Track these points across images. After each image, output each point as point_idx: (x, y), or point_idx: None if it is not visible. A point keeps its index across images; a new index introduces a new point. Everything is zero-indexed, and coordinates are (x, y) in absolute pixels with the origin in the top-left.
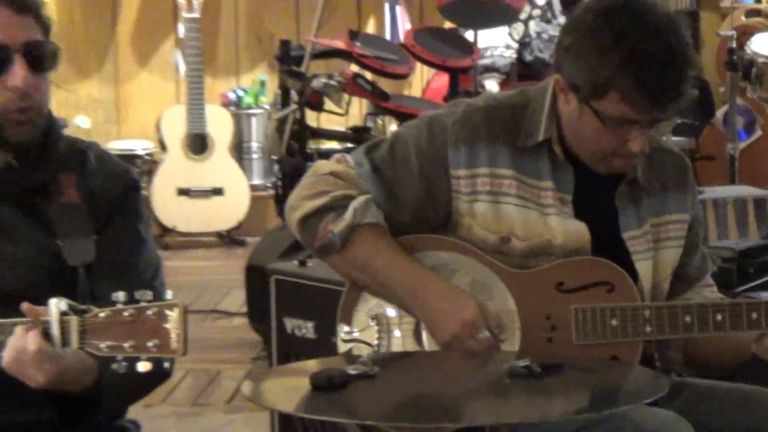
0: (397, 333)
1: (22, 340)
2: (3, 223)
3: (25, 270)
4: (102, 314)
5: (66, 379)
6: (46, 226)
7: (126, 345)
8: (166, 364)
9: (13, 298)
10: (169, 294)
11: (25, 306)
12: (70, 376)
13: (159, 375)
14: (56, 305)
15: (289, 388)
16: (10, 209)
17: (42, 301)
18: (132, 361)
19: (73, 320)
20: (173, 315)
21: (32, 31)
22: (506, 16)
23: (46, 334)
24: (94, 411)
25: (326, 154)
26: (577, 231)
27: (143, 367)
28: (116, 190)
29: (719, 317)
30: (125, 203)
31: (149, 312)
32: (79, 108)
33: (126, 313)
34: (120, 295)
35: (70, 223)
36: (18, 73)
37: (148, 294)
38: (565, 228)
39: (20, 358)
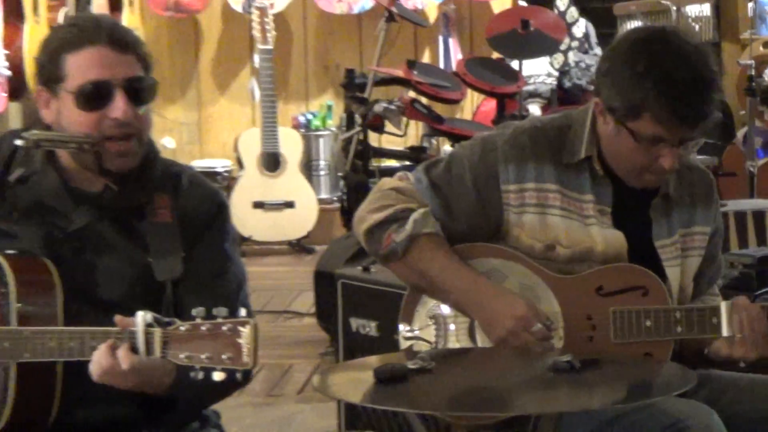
0: (452, 331)
1: (111, 361)
2: (103, 240)
3: (121, 282)
4: (183, 328)
5: (148, 383)
6: (140, 243)
7: (203, 356)
8: (239, 375)
9: (110, 307)
10: (242, 312)
11: (117, 318)
12: (152, 381)
13: (232, 384)
14: (142, 318)
15: (355, 381)
16: (109, 227)
17: (134, 311)
18: (208, 371)
19: (157, 332)
20: (246, 331)
21: (133, 68)
22: (548, 47)
23: (133, 345)
24: (173, 408)
25: (386, 172)
26: (615, 239)
27: (218, 376)
28: (206, 211)
29: None
30: (214, 223)
31: (224, 327)
32: (165, 130)
33: (204, 328)
34: (200, 311)
35: (161, 242)
36: (118, 105)
37: (224, 311)
38: (605, 236)
39: (109, 365)
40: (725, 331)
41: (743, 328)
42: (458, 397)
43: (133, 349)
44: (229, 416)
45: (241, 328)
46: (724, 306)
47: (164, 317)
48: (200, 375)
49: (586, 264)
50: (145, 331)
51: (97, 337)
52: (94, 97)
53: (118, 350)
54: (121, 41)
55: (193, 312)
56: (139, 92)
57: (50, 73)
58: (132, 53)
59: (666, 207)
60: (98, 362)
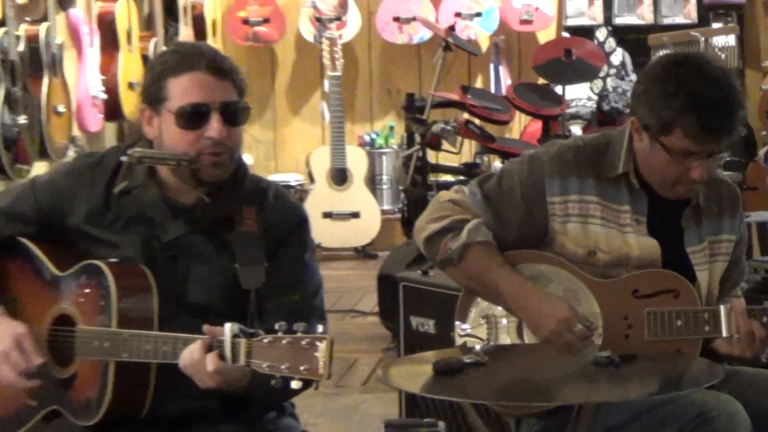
0: (502, 329)
1: (201, 356)
2: (195, 249)
3: (210, 289)
4: (265, 340)
5: (227, 383)
6: (228, 253)
7: (282, 366)
8: (314, 385)
9: (199, 310)
10: (320, 328)
11: (205, 327)
12: (230, 382)
13: (305, 389)
14: (230, 329)
15: (414, 373)
16: (201, 238)
17: (221, 315)
18: (287, 379)
19: (243, 343)
20: (322, 346)
21: (228, 93)
22: (588, 73)
23: (221, 353)
24: (249, 404)
25: (443, 186)
26: (650, 246)
27: (295, 385)
28: (288, 224)
29: (765, 319)
30: (294, 235)
31: (303, 342)
32: (244, 147)
33: (285, 341)
34: (282, 325)
35: (246, 252)
36: (214, 126)
37: (302, 326)
38: (640, 243)
39: (197, 368)
40: (725, 332)
41: (740, 330)
42: (508, 388)
43: (221, 357)
44: (302, 405)
45: (318, 343)
46: (722, 309)
47: (249, 328)
48: (279, 383)
49: (623, 269)
50: (231, 342)
51: (188, 344)
52: (192, 117)
53: (210, 354)
54: (219, 68)
55: (276, 326)
56: (233, 115)
57: (154, 93)
58: (228, 79)
59: (696, 217)
60: (190, 355)
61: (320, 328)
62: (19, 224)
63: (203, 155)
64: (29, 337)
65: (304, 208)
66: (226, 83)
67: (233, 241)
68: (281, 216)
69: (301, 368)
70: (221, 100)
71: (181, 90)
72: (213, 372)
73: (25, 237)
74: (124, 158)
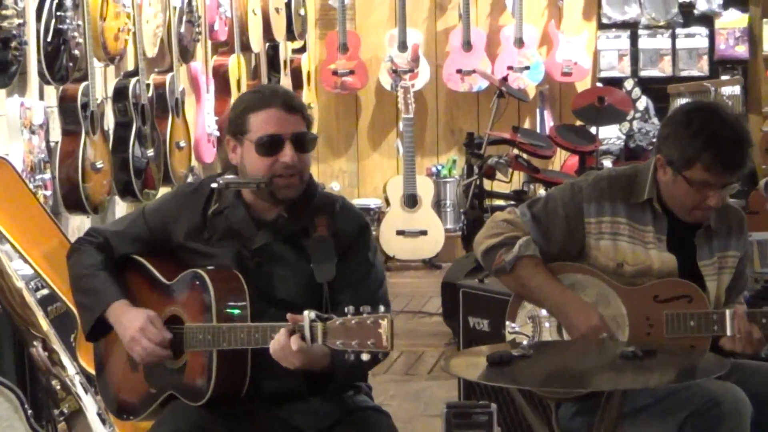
0: (546, 328)
1: (287, 340)
2: (278, 255)
3: (291, 286)
4: (338, 322)
5: (311, 363)
6: (305, 256)
7: (353, 342)
8: (380, 356)
9: (284, 304)
10: (381, 308)
11: (289, 315)
12: (314, 361)
13: (375, 361)
14: (308, 315)
15: (472, 364)
16: (282, 245)
17: (301, 307)
18: (357, 353)
19: (319, 326)
20: (384, 323)
21: (298, 125)
22: (617, 117)
23: (302, 335)
24: (331, 381)
25: (496, 209)
26: (669, 260)
27: (365, 357)
28: (354, 229)
29: (764, 321)
30: (359, 238)
31: (369, 321)
32: (333, 176)
33: (353, 322)
34: (350, 309)
35: (319, 252)
36: (287, 153)
37: (368, 308)
38: (661, 258)
39: (284, 351)
40: (729, 332)
41: (741, 330)
42: (549, 377)
43: (302, 338)
44: (377, 389)
45: (381, 321)
46: (728, 313)
47: (324, 313)
48: (352, 357)
49: (646, 278)
50: (310, 326)
51: (276, 331)
52: (269, 146)
53: (293, 336)
54: (291, 105)
55: (345, 309)
56: (302, 143)
57: (237, 127)
58: (298, 114)
59: (707, 236)
60: (277, 341)
61: (382, 308)
62: (133, 244)
63: (277, 178)
64: (159, 317)
65: (366, 216)
66: (296, 117)
67: (309, 246)
68: (348, 223)
69: (369, 342)
70: (292, 131)
71: (260, 123)
72: (297, 351)
73: (138, 255)
74: (214, 185)
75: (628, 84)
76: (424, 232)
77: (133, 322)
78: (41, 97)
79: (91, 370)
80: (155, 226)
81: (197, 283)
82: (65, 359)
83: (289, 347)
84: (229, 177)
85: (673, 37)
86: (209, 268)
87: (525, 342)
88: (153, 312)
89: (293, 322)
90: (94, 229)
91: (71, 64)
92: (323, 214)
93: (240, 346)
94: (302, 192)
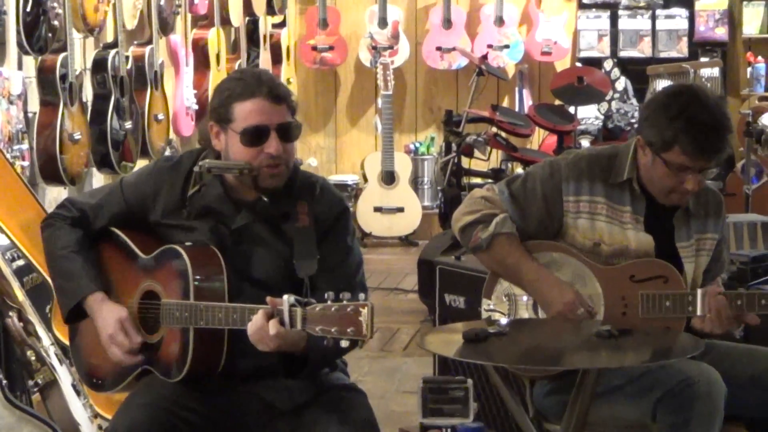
0: (521, 306)
1: (264, 323)
2: (258, 235)
3: (269, 267)
4: (317, 308)
5: (287, 346)
6: (285, 240)
7: (333, 329)
8: (359, 343)
9: (261, 284)
10: (362, 296)
11: (268, 298)
12: (290, 345)
13: (353, 346)
14: (288, 300)
15: (447, 341)
16: (262, 227)
17: (279, 288)
18: (337, 340)
19: (299, 311)
20: (365, 311)
21: (284, 115)
22: (596, 97)
23: (280, 319)
24: (305, 364)
25: (474, 187)
26: (646, 240)
27: (344, 344)
28: (333, 213)
29: (739, 302)
30: (339, 222)
31: (349, 309)
32: (311, 152)
33: (333, 309)
34: (330, 295)
35: (303, 247)
36: (272, 144)
37: (348, 295)
38: (638, 238)
39: (261, 333)
40: (699, 311)
41: (711, 310)
42: (524, 355)
43: (281, 323)
44: (352, 365)
45: (361, 309)
46: (699, 292)
47: (302, 298)
48: (330, 343)
49: (623, 258)
50: (289, 310)
51: (254, 313)
52: (254, 137)
53: (271, 320)
54: (276, 94)
55: (325, 296)
56: (288, 133)
57: (221, 115)
58: (284, 103)
59: (685, 218)
60: (255, 323)
61: (362, 296)
62: (110, 218)
63: (263, 168)
64: (130, 319)
65: (346, 199)
66: (281, 107)
67: (290, 234)
68: (327, 207)
69: (348, 330)
70: (278, 122)
71: (245, 114)
72: (274, 336)
73: (114, 227)
74: (195, 168)
75: (608, 64)
76: (401, 209)
77: (104, 327)
78: (20, 68)
79: (66, 342)
80: (133, 200)
81: (174, 258)
82: (40, 330)
83: (266, 330)
84: (212, 161)
85: (653, 18)
86: (187, 244)
87: (502, 319)
88: (124, 312)
89: (272, 306)
90: (70, 200)
91: (50, 34)
92: (304, 200)
93: (217, 326)
94: (285, 179)
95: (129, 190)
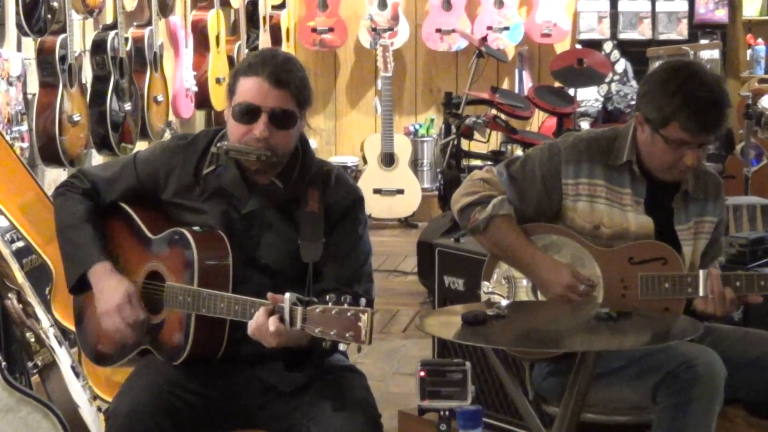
0: (520, 289)
1: (264, 320)
2: (267, 221)
3: (277, 255)
4: (318, 309)
5: (289, 342)
6: (295, 227)
7: (331, 332)
8: (358, 348)
9: (268, 270)
10: (363, 301)
11: (269, 294)
12: (292, 341)
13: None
14: (289, 298)
15: (446, 323)
16: (273, 213)
17: (285, 276)
18: (335, 342)
19: (299, 310)
20: (364, 318)
21: (281, 101)
22: (596, 79)
23: (281, 317)
24: (307, 361)
25: (473, 169)
26: (646, 223)
27: (342, 347)
28: (346, 203)
29: (738, 284)
30: (351, 213)
31: (349, 313)
32: (309, 134)
33: (334, 311)
34: (332, 297)
35: (309, 230)
36: (259, 127)
37: (349, 298)
38: (638, 221)
39: (261, 330)
40: (701, 292)
41: (714, 291)
42: (523, 337)
43: (281, 320)
44: (351, 347)
45: (361, 315)
46: (701, 273)
47: (305, 296)
48: (329, 344)
49: (623, 241)
50: (290, 308)
51: (255, 307)
52: (244, 114)
53: (271, 317)
54: (278, 78)
55: (327, 297)
56: (280, 119)
57: (230, 86)
58: (286, 89)
59: (685, 201)
60: (256, 320)
61: (363, 301)
62: (121, 192)
63: (249, 154)
64: (137, 294)
65: (360, 189)
66: (282, 92)
67: (299, 218)
68: (341, 197)
69: (347, 335)
70: (272, 106)
71: (244, 90)
72: (274, 332)
73: (125, 202)
74: (213, 149)
75: (607, 46)
76: (400, 191)
77: (112, 295)
78: (19, 49)
79: (66, 323)
80: (145, 177)
81: (181, 242)
82: (40, 312)
83: (266, 327)
84: (231, 144)
85: None
86: (194, 228)
87: (502, 301)
88: (132, 287)
89: (273, 302)
90: (82, 171)
91: (50, 16)
92: (317, 187)
93: (218, 315)
94: (295, 166)
95: (142, 166)
